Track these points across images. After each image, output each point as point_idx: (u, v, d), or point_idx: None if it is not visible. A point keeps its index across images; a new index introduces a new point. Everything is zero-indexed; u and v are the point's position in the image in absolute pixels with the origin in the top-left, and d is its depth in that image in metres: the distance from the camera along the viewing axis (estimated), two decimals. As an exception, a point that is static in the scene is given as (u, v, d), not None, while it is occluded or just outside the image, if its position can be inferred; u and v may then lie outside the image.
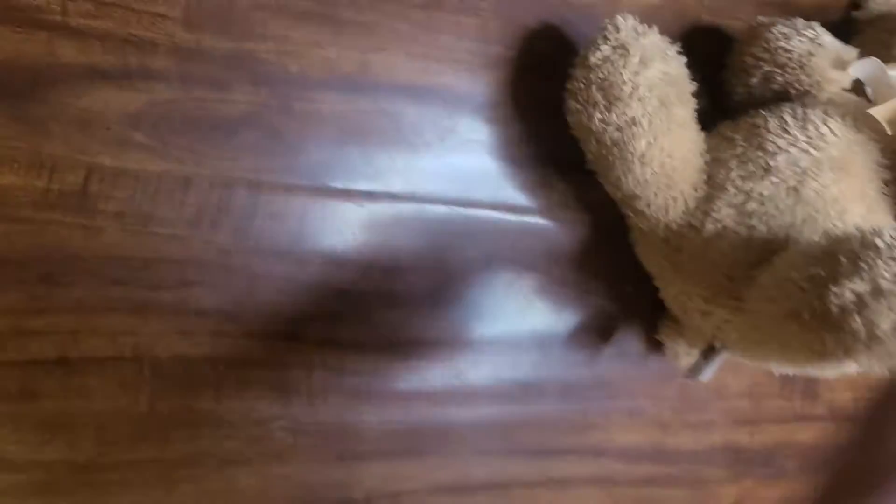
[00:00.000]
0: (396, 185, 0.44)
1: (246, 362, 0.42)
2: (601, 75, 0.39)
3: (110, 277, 0.39)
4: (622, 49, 0.39)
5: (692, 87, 0.42)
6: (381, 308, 0.45)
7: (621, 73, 0.38)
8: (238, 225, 0.41)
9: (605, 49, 0.39)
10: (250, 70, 0.41)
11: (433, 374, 0.46)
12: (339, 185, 0.43)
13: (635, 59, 0.39)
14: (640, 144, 0.39)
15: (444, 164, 0.45)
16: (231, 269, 0.41)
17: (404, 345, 0.45)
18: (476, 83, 0.45)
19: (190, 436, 0.41)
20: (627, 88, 0.38)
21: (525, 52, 0.46)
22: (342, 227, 0.43)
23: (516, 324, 0.48)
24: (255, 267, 0.42)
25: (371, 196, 0.44)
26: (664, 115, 0.39)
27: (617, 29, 0.40)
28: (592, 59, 0.40)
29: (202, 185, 0.40)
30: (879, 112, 0.40)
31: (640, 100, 0.38)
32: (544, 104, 0.46)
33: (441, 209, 0.46)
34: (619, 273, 0.50)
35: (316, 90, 0.42)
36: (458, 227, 0.46)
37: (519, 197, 0.47)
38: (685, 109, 0.41)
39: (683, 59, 0.42)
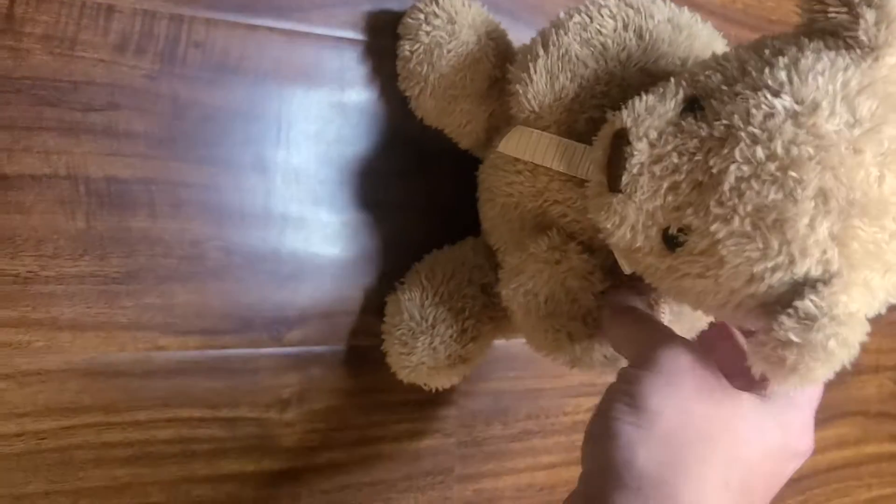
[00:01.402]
0: (315, 20, 0.47)
1: (177, 184, 0.44)
2: None
3: (41, 98, 0.41)
4: None
5: None
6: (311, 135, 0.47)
7: None
8: (163, 52, 0.43)
9: None
10: None
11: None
12: (262, 19, 0.45)
13: None
14: None
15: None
16: (158, 95, 0.43)
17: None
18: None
19: (127, 252, 0.43)
20: None
21: None
22: (265, 59, 0.46)
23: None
24: (181, 93, 0.44)
25: (292, 32, 0.46)
26: None
27: None
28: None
29: (125, 11, 0.42)
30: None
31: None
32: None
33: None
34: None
35: (233, -77, 0.44)
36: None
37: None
38: None
39: None
